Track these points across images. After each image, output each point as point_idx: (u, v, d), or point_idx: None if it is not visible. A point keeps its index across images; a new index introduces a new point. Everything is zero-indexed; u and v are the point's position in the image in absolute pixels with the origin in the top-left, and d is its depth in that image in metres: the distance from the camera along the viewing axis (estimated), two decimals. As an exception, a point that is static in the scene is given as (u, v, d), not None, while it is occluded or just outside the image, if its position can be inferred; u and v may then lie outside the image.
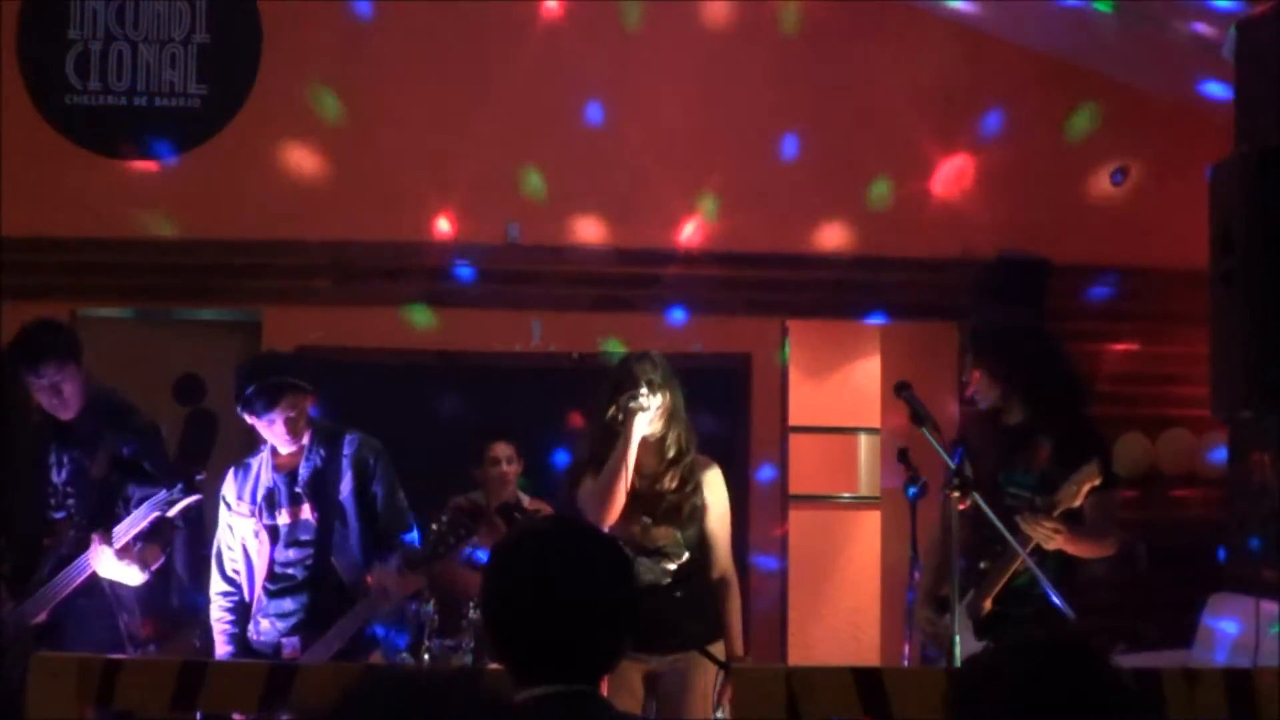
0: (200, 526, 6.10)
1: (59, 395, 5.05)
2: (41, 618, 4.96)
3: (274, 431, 4.84)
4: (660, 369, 4.87)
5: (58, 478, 5.11)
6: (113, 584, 5.01)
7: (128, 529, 4.87)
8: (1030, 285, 7.27)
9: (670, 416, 4.86)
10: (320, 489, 4.89)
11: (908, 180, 7.55)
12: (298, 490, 4.90)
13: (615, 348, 7.21)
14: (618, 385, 4.84)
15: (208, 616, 5.06)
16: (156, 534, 5.03)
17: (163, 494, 4.86)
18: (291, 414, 4.80)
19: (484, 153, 7.33)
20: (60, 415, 5.08)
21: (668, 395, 4.83)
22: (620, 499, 4.75)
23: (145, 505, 4.87)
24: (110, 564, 4.89)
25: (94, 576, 4.95)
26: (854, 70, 7.56)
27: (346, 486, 4.91)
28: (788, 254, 7.49)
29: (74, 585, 4.93)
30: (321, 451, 4.92)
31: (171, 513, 4.88)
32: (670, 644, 4.71)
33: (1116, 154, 7.63)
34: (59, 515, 5.08)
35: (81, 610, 4.98)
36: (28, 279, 6.86)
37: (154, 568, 5.02)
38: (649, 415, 4.79)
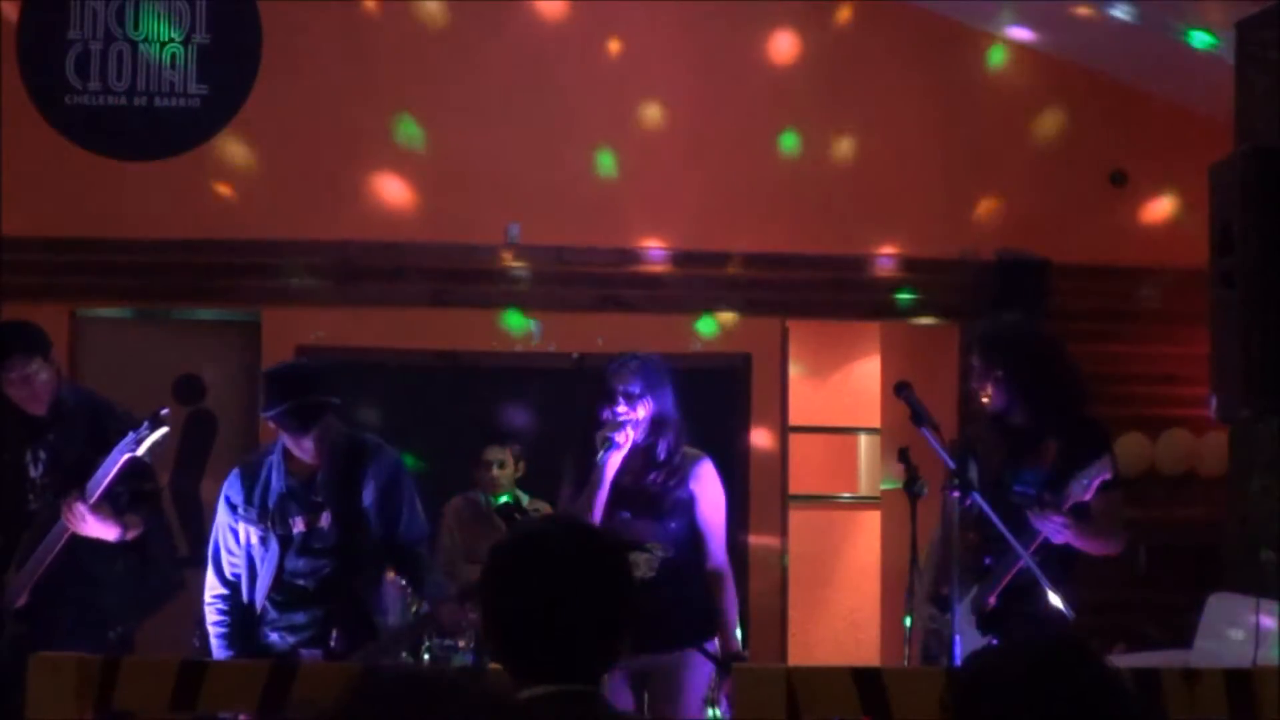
0: (201, 528, 6.11)
1: (29, 387, 5.07)
2: (23, 600, 4.98)
3: (301, 447, 4.78)
4: (642, 377, 4.73)
5: (34, 473, 5.13)
6: (91, 561, 5.00)
7: (100, 479, 4.84)
8: (1030, 285, 7.27)
9: (656, 425, 4.74)
10: (340, 496, 4.78)
11: (907, 179, 7.55)
12: (316, 498, 4.79)
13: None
14: (598, 398, 4.74)
15: (188, 599, 5.07)
16: (136, 507, 5.04)
17: (130, 435, 4.80)
18: (323, 433, 4.76)
19: (484, 152, 7.34)
20: (32, 409, 5.10)
21: (650, 404, 4.72)
22: (593, 516, 4.68)
23: (114, 451, 4.82)
24: (88, 521, 4.86)
25: (71, 547, 4.93)
26: (855, 70, 7.56)
27: (369, 496, 4.81)
28: (788, 254, 7.49)
29: (52, 554, 4.93)
30: (340, 458, 4.81)
31: (141, 450, 4.82)
32: (659, 642, 4.59)
33: (1117, 154, 7.63)
34: (36, 508, 5.10)
35: (60, 594, 4.99)
36: (28, 279, 6.86)
37: (131, 535, 4.99)
38: (624, 451, 4.69)
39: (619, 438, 4.65)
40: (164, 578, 5.30)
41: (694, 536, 4.80)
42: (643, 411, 4.70)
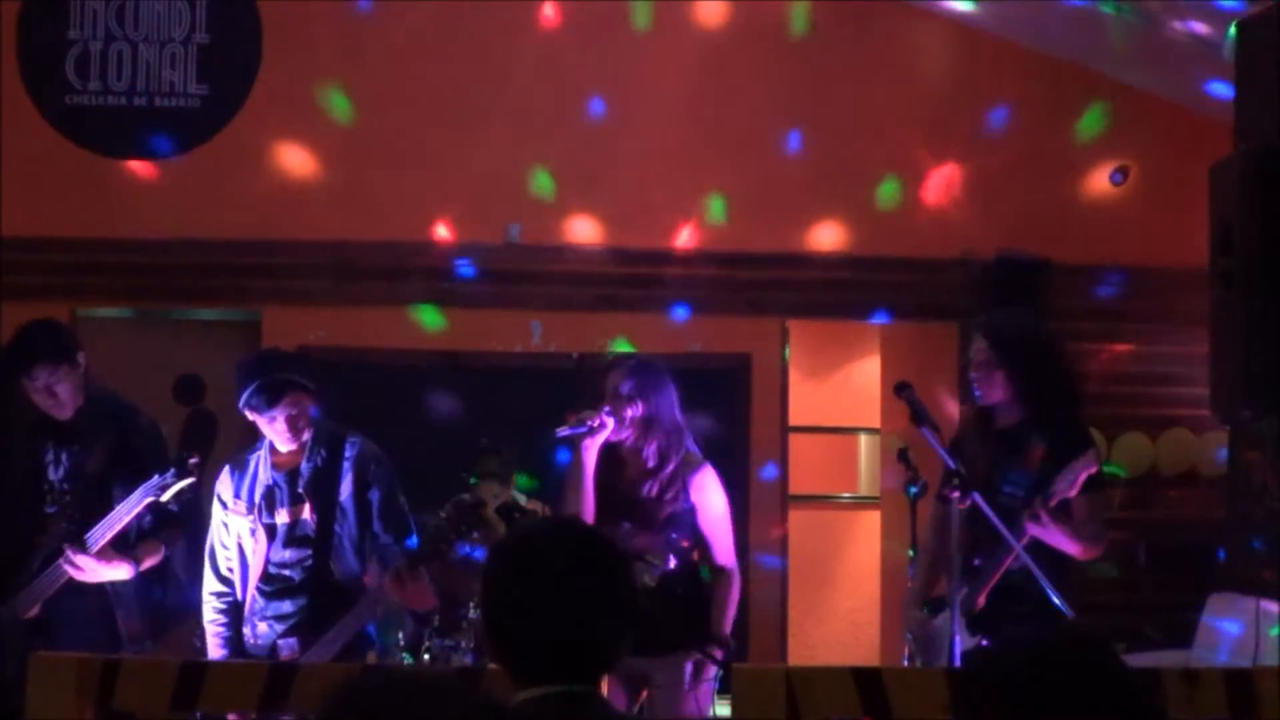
0: (198, 521, 6.08)
1: (53, 397, 5.01)
2: (34, 612, 4.94)
3: (275, 429, 4.77)
4: (638, 378, 4.82)
5: (54, 475, 5.07)
6: (111, 582, 4.99)
7: (111, 523, 4.82)
8: (1030, 285, 7.27)
9: (647, 427, 4.82)
10: (321, 489, 4.82)
11: (908, 180, 7.55)
12: (299, 490, 4.83)
13: (623, 347, 7.23)
14: (596, 394, 4.85)
15: (201, 613, 5.03)
16: (159, 530, 4.99)
17: (154, 479, 4.76)
18: (293, 412, 4.73)
19: (484, 153, 7.33)
20: (56, 415, 5.06)
21: (640, 407, 4.79)
22: (584, 513, 4.77)
23: (136, 493, 4.78)
24: (91, 568, 4.83)
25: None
26: (854, 70, 7.55)
27: (346, 489, 4.84)
28: (788, 254, 7.49)
29: (60, 581, 4.89)
30: (323, 452, 4.84)
31: (165, 497, 4.79)
32: (657, 647, 4.64)
33: (1117, 154, 7.63)
34: (52, 510, 5.06)
35: (76, 607, 4.94)
36: (28, 279, 6.86)
37: (147, 564, 4.95)
38: (599, 439, 4.78)
39: (592, 423, 4.75)
40: (182, 596, 5.22)
41: (696, 545, 4.87)
42: (632, 412, 4.78)
